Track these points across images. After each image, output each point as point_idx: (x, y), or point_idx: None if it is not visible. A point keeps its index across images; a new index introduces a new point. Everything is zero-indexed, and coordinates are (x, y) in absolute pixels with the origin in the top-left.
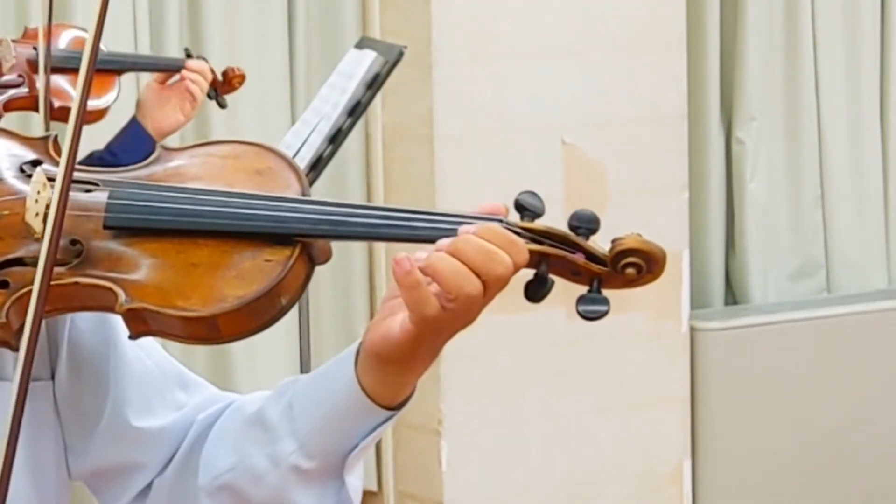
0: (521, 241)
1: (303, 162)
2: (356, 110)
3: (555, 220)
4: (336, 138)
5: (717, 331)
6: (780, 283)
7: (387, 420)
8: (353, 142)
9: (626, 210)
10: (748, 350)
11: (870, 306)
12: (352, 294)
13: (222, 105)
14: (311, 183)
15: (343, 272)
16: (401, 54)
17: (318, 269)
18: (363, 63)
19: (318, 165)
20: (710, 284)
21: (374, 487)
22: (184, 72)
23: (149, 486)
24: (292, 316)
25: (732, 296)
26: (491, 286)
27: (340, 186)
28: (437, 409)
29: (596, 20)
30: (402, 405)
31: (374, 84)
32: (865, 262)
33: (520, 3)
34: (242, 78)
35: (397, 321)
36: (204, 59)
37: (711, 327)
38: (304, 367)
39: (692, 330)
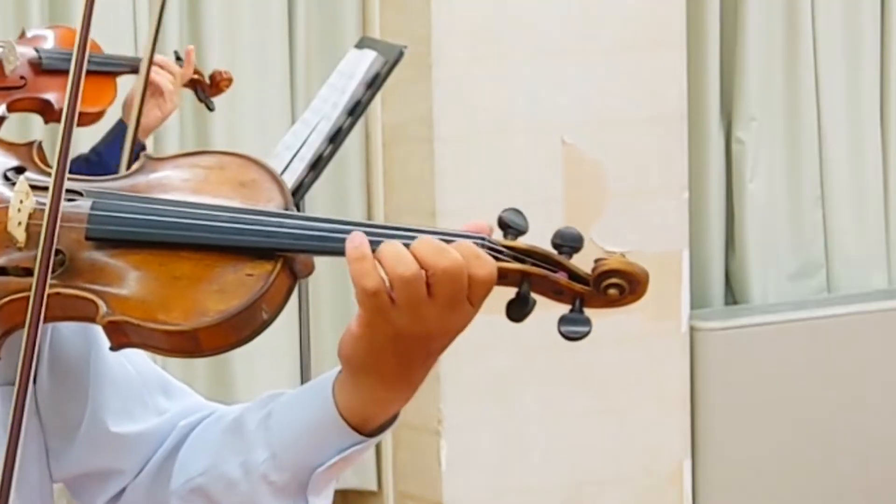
0: (487, 256)
1: (303, 162)
2: (356, 110)
3: (554, 219)
4: (336, 138)
5: (717, 331)
6: (780, 283)
7: (355, 445)
8: (353, 142)
9: (626, 210)
10: (748, 350)
11: (870, 306)
12: (352, 303)
13: (210, 108)
14: (311, 183)
15: (343, 281)
16: (401, 54)
17: (318, 278)
18: (363, 63)
19: (317, 165)
20: (710, 284)
21: (374, 487)
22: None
23: (123, 490)
24: (293, 323)
25: (732, 296)
26: (437, 284)
27: (340, 186)
28: (437, 409)
29: (596, 20)
30: (374, 434)
31: (374, 84)
32: (865, 262)
33: (520, 3)
34: (230, 81)
35: (355, 317)
36: (178, 55)
37: (711, 327)
38: (305, 375)
39: (692, 330)
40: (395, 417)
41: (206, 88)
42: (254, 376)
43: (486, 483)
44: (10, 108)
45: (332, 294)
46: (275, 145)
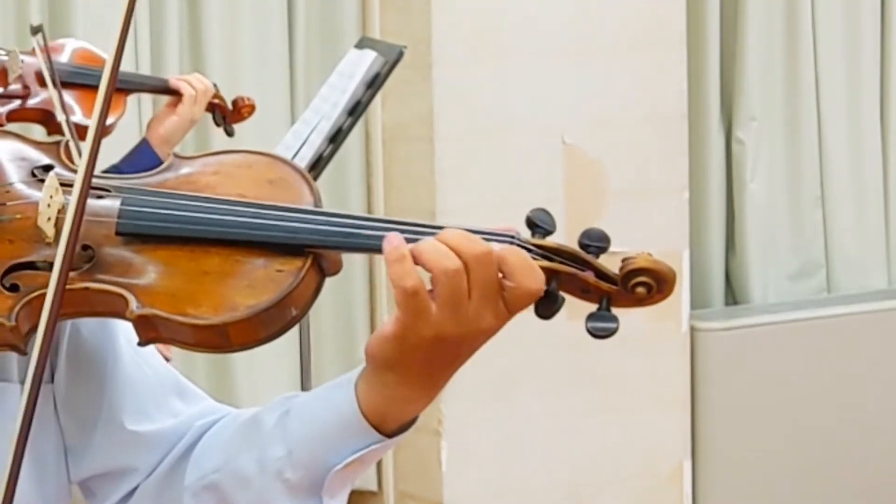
0: (538, 268)
1: (303, 161)
2: (356, 110)
3: (554, 218)
4: (336, 138)
5: (717, 331)
6: (780, 283)
7: (374, 444)
8: (353, 142)
9: (626, 210)
10: (748, 350)
11: (870, 306)
12: (352, 308)
13: (230, 133)
14: None
15: (344, 286)
16: (401, 54)
17: None
18: (363, 63)
19: (318, 165)
20: (710, 284)
21: (374, 487)
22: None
23: (134, 489)
24: (293, 330)
25: (732, 296)
26: (472, 274)
27: (340, 186)
28: (437, 409)
29: (596, 20)
30: (394, 434)
31: (374, 84)
32: (865, 262)
33: (520, 3)
34: (252, 108)
35: (391, 318)
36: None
37: (711, 327)
38: (305, 381)
39: (692, 330)
40: (413, 420)
41: (228, 114)
42: (254, 380)
43: (486, 483)
44: (10, 118)
45: (332, 297)
46: (275, 145)
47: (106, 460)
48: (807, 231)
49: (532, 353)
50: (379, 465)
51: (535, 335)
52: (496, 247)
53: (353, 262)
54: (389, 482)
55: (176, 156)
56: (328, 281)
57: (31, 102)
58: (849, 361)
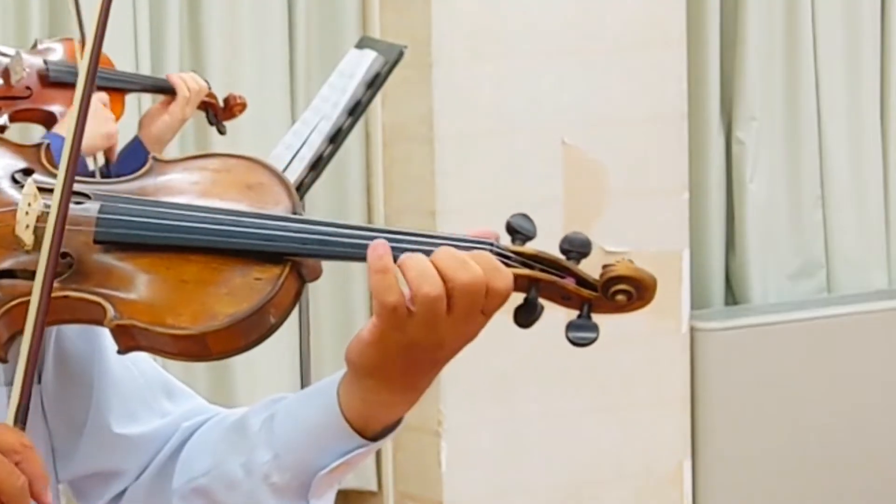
0: (506, 269)
1: (303, 162)
2: (356, 110)
3: (554, 219)
4: (336, 138)
5: (717, 331)
6: (780, 283)
7: (358, 449)
8: (353, 142)
9: (626, 210)
10: (748, 350)
11: (870, 306)
12: (352, 309)
13: (221, 132)
14: (312, 182)
15: (343, 287)
16: (401, 54)
17: (318, 284)
18: (363, 63)
19: (318, 165)
20: (710, 284)
21: (374, 487)
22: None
23: (124, 490)
24: (293, 331)
25: (732, 296)
26: (456, 298)
27: (340, 186)
28: (437, 409)
29: (596, 20)
30: (377, 438)
31: (375, 84)
32: (865, 262)
33: (520, 3)
34: (243, 106)
35: (368, 324)
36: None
37: (711, 327)
38: (305, 382)
39: (692, 330)
40: (398, 422)
41: (219, 112)
42: (254, 380)
43: (486, 483)
44: (13, 118)
45: (332, 297)
46: (275, 145)
47: (93, 462)
48: (807, 231)
49: (532, 354)
50: (379, 465)
51: (534, 335)
52: (479, 265)
53: (352, 263)
54: (389, 482)
55: (155, 159)
56: (327, 282)
57: (34, 104)
58: (849, 361)
